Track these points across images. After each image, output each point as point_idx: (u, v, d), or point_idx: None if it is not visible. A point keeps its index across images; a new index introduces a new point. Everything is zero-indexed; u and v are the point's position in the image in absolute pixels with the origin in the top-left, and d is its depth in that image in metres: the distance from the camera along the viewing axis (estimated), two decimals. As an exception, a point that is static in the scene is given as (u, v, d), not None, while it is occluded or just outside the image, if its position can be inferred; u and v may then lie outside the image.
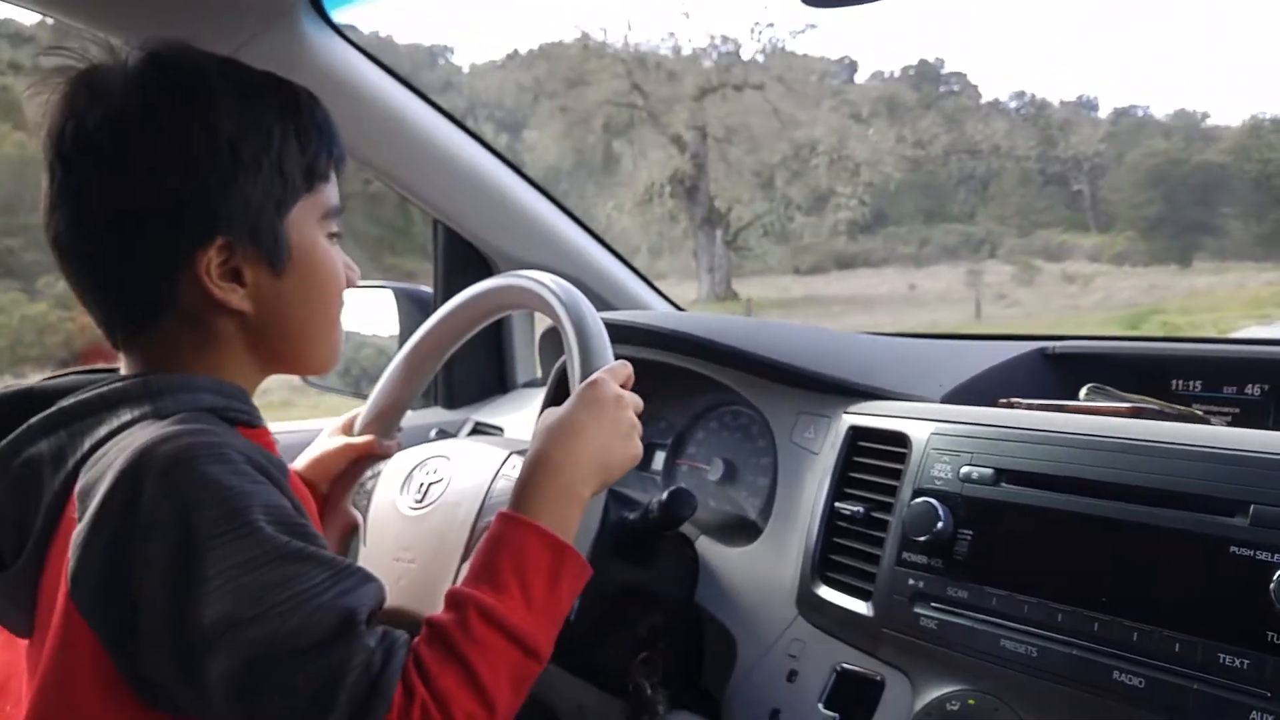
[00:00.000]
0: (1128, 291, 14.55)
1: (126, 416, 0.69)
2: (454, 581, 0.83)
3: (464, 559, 0.84)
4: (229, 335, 0.75)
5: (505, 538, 0.72)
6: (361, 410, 1.03)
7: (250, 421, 0.76)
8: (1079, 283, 15.30)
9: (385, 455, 1.02)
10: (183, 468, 0.63)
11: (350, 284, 0.83)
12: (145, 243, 0.71)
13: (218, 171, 0.71)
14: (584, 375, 0.82)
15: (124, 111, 0.70)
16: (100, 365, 0.79)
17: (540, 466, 0.76)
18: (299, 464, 1.02)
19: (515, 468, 0.84)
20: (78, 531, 0.63)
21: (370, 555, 0.96)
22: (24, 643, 0.72)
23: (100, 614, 0.63)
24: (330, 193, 0.79)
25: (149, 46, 0.73)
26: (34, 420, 0.70)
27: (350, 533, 1.01)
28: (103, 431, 0.68)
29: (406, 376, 1.01)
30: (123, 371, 0.76)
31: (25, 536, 0.68)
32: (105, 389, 0.71)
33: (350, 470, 1.02)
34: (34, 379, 0.77)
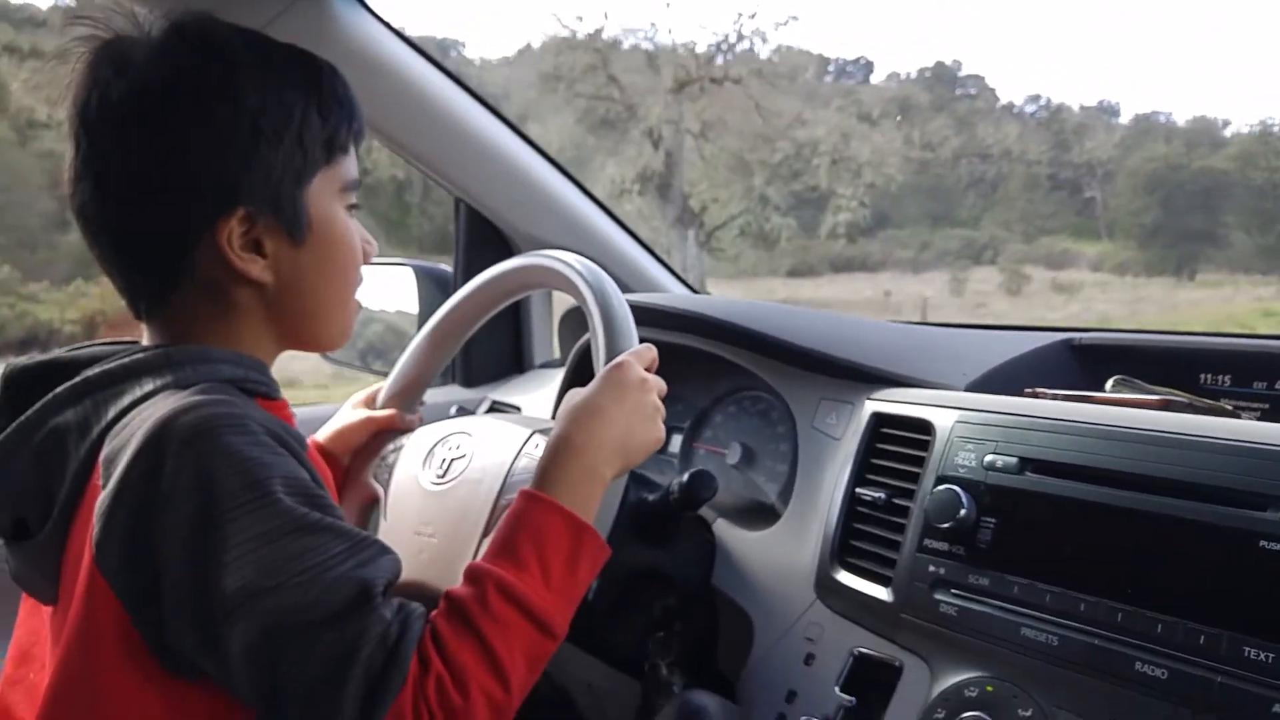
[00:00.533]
0: (1108, 305, 14.04)
1: (149, 386, 0.70)
2: (474, 557, 0.84)
3: (485, 535, 0.85)
4: (248, 306, 0.76)
5: (527, 516, 0.73)
6: (384, 384, 1.04)
7: (268, 393, 0.77)
8: (1068, 293, 14.80)
9: (407, 429, 1.03)
10: (204, 438, 0.64)
11: (367, 258, 0.83)
12: (167, 212, 0.72)
13: (240, 144, 0.72)
14: (609, 357, 0.83)
15: (147, 83, 0.71)
16: (125, 337, 0.80)
17: (563, 447, 0.77)
18: (321, 435, 1.04)
19: (538, 446, 0.85)
20: (101, 499, 0.65)
21: (391, 529, 0.96)
22: (48, 610, 0.73)
23: (124, 581, 0.64)
24: (349, 165, 0.80)
25: (173, 18, 0.74)
26: (60, 390, 0.71)
27: (370, 506, 1.01)
28: (126, 401, 0.69)
29: (430, 352, 1.02)
30: (144, 342, 0.77)
31: (51, 505, 0.70)
32: (128, 359, 0.72)
33: (371, 443, 1.04)
34: (58, 351, 0.78)
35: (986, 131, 18.07)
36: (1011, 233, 17.04)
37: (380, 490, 1.00)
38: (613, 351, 0.83)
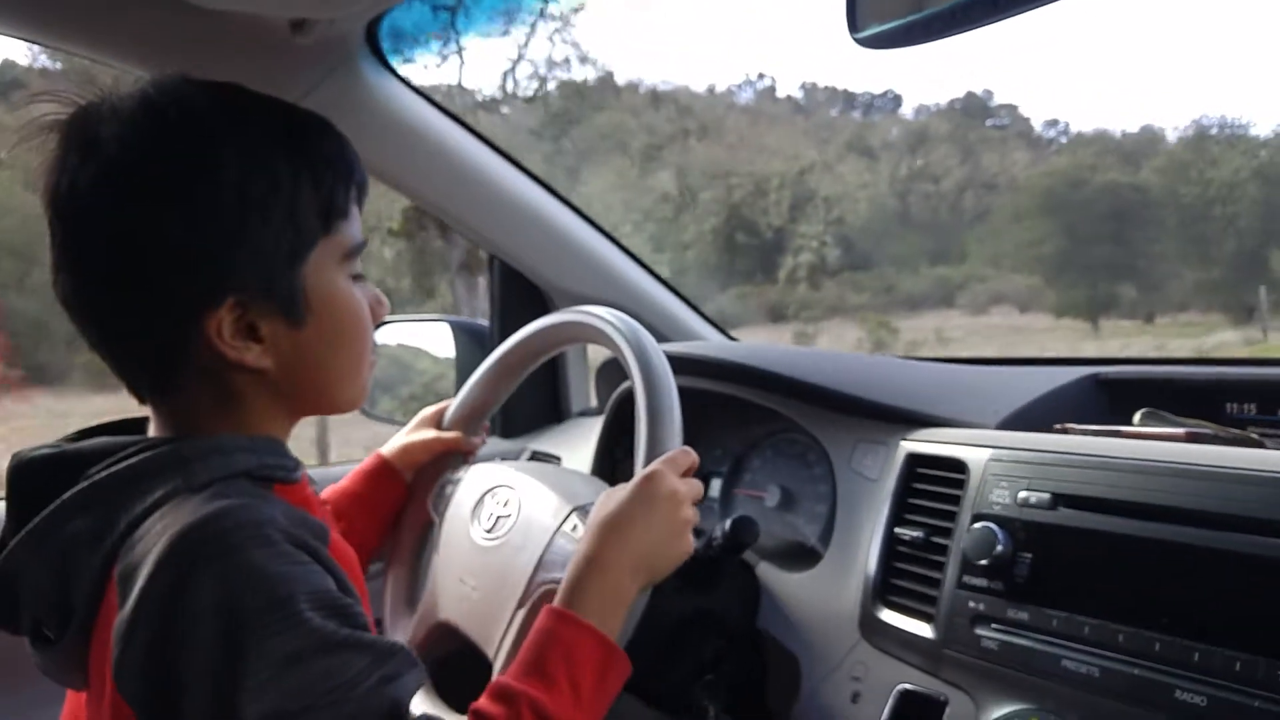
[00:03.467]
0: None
1: (159, 492, 0.66)
2: (507, 625, 0.87)
3: (519, 606, 0.87)
4: (251, 390, 0.73)
5: (557, 634, 0.72)
6: (451, 404, 1.07)
7: (285, 477, 0.74)
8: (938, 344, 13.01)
9: (470, 451, 1.06)
10: (224, 556, 0.61)
11: (379, 318, 0.80)
12: (150, 305, 0.68)
13: (223, 225, 0.67)
14: (649, 457, 0.82)
15: (117, 166, 0.66)
16: (129, 417, 0.77)
17: (590, 565, 0.76)
18: (387, 449, 1.05)
19: (575, 529, 0.85)
20: (119, 621, 0.62)
21: (440, 568, 1.00)
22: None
23: (145, 705, 0.62)
24: (350, 230, 0.75)
25: (141, 89, 0.69)
26: (67, 497, 0.67)
27: (426, 531, 1.04)
28: (138, 509, 0.66)
29: (495, 380, 1.05)
30: (151, 430, 0.74)
31: (68, 614, 0.66)
32: (135, 459, 0.68)
33: (434, 463, 1.06)
34: (61, 439, 0.74)
35: (992, 160, 17.42)
36: (999, 269, 15.91)
37: (436, 519, 1.03)
38: (653, 453, 0.83)
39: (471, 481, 1.02)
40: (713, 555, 0.97)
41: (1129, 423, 0.94)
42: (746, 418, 1.27)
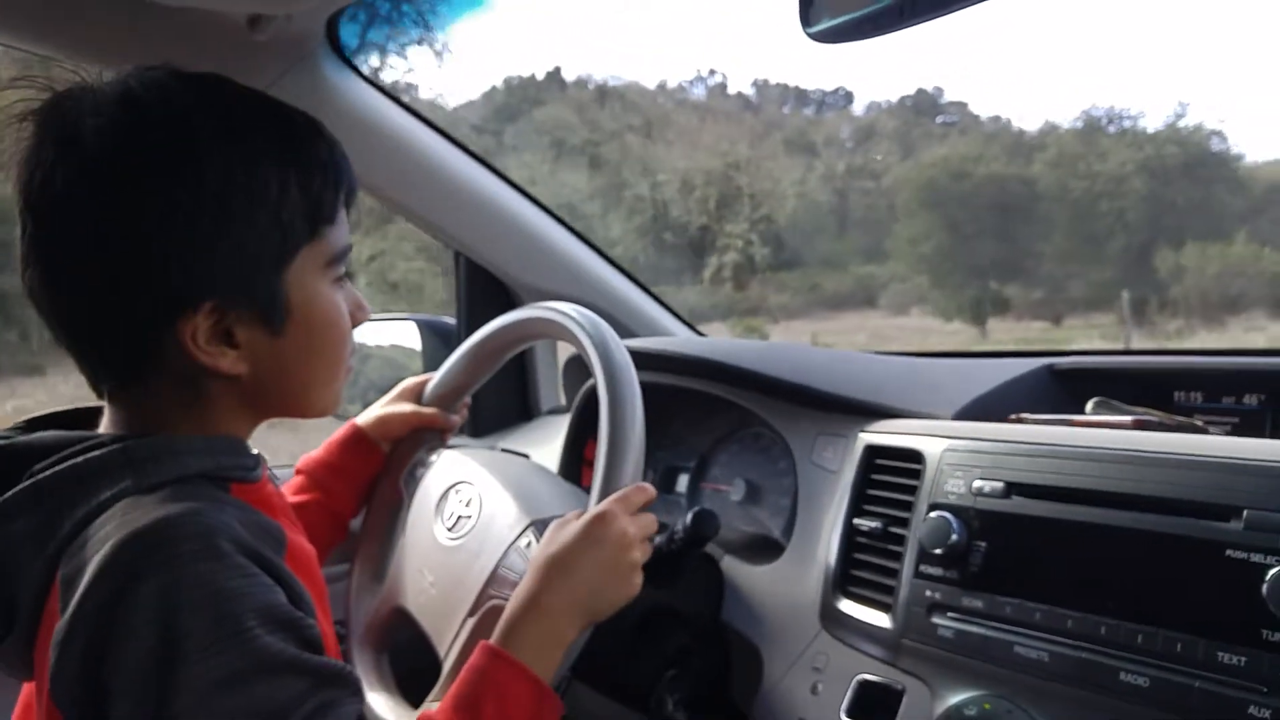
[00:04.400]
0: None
1: (107, 493, 0.63)
2: (457, 631, 0.88)
3: (469, 615, 0.88)
4: (220, 394, 0.71)
5: (491, 675, 0.71)
6: (431, 379, 1.06)
7: (243, 477, 0.72)
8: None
9: (449, 429, 1.06)
10: (169, 566, 0.59)
11: (358, 323, 0.78)
12: (122, 308, 0.65)
13: (203, 228, 0.64)
14: (604, 491, 0.80)
15: (94, 162, 0.63)
16: (82, 407, 0.74)
17: (530, 606, 0.74)
18: (364, 419, 1.04)
19: (530, 546, 0.85)
20: (58, 628, 0.59)
21: (406, 552, 1.00)
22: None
23: (77, 713, 0.60)
24: (337, 235, 0.73)
25: (123, 80, 0.66)
26: (9, 496, 0.64)
27: (396, 510, 1.04)
28: (81, 511, 0.63)
29: (474, 362, 1.04)
30: (104, 424, 0.71)
31: (12, 614, 0.64)
32: (81, 460, 0.65)
33: (411, 437, 1.05)
34: (6, 430, 0.71)
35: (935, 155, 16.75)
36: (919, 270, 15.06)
37: (406, 500, 1.03)
38: (607, 488, 0.81)
39: (439, 472, 1.02)
40: (675, 550, 0.97)
41: (1082, 412, 0.95)
42: (712, 412, 1.28)
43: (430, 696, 0.88)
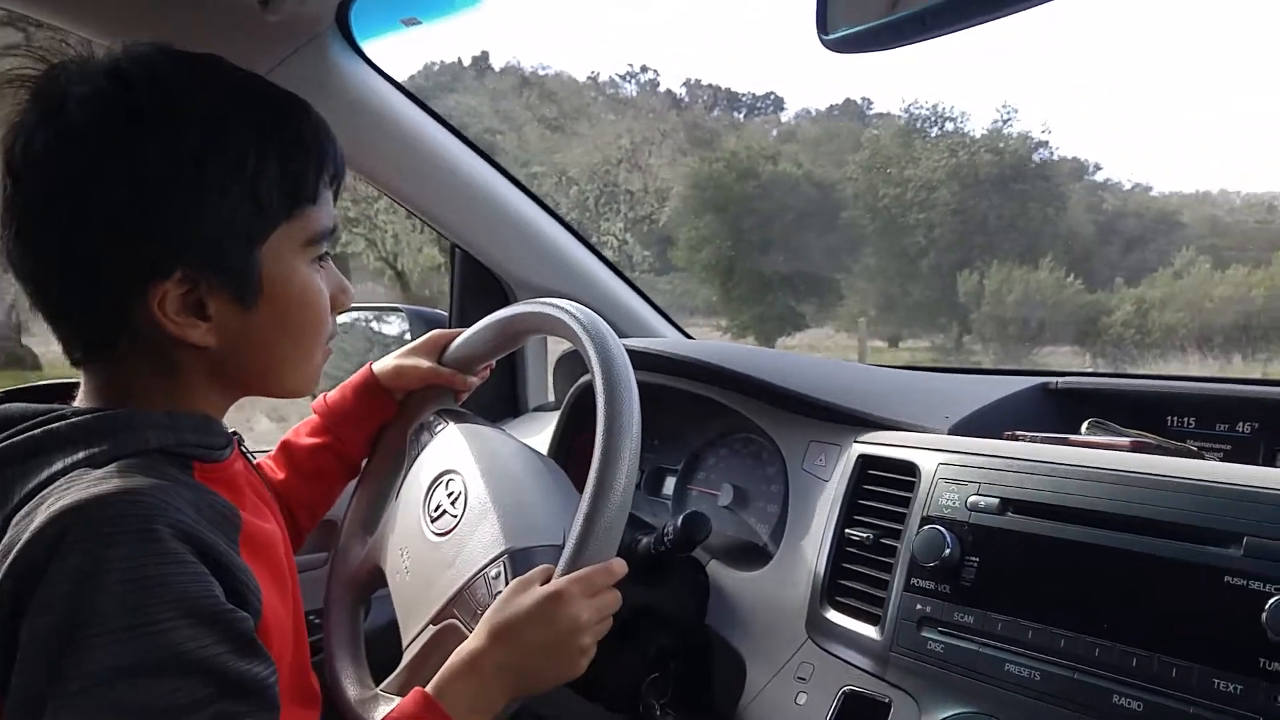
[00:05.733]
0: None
1: (59, 465, 0.63)
2: (417, 633, 0.88)
3: (430, 622, 0.87)
4: (191, 366, 0.70)
5: None
6: (456, 340, 1.03)
7: (206, 456, 0.71)
8: None
9: (463, 390, 1.04)
10: (96, 543, 0.57)
11: (341, 307, 0.78)
12: (94, 272, 0.66)
13: (177, 199, 0.65)
14: (569, 566, 0.77)
15: (74, 128, 0.64)
16: (55, 381, 0.75)
17: (469, 666, 0.74)
18: (380, 367, 1.03)
19: (499, 578, 0.83)
20: None
21: (394, 520, 0.99)
22: None
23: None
24: (319, 216, 0.73)
25: (114, 54, 0.67)
26: None
27: (397, 464, 1.03)
28: (33, 482, 0.63)
29: (498, 338, 1.00)
30: (78, 399, 0.71)
31: None
32: (41, 432, 0.65)
33: (424, 392, 1.03)
34: None
35: (838, 162, 15.57)
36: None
37: (407, 460, 1.01)
38: (572, 565, 0.77)
39: (438, 450, 0.99)
40: (663, 551, 0.97)
41: (1076, 432, 0.95)
42: (703, 415, 1.28)
43: (387, 681, 0.91)
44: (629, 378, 0.82)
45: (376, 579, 1.00)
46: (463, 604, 0.84)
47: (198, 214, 0.65)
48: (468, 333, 1.02)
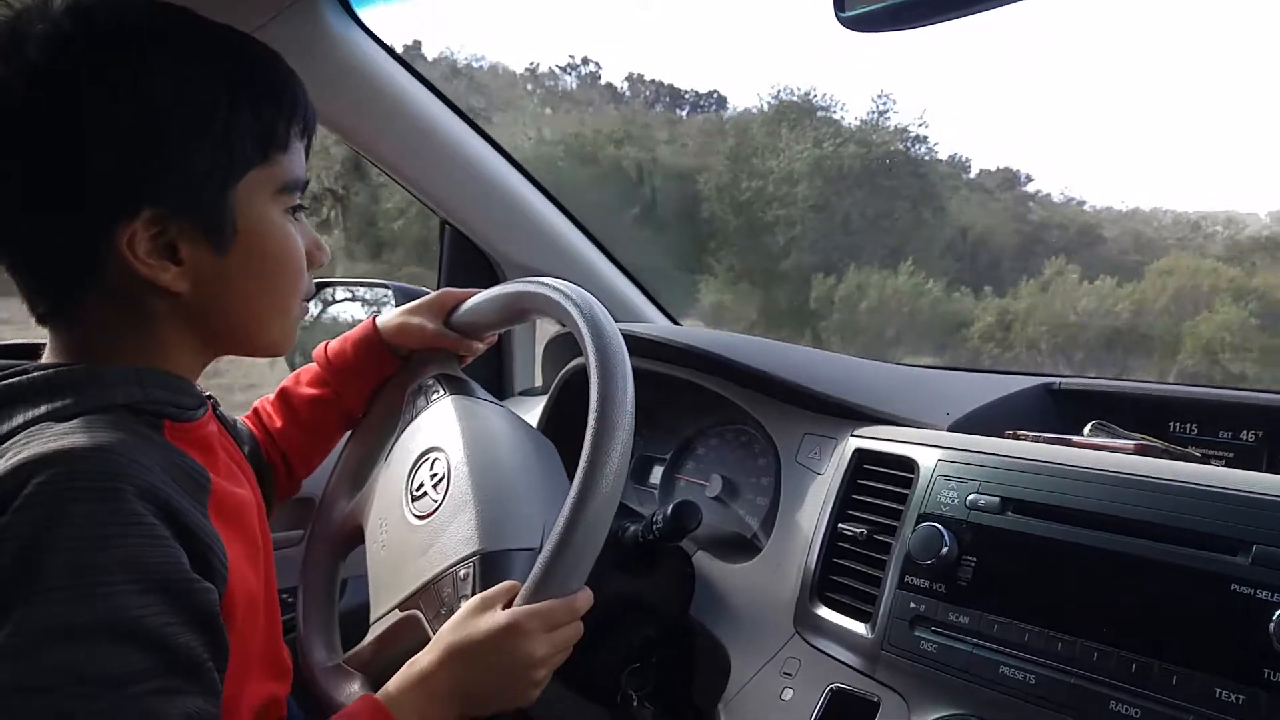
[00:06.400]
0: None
1: (20, 419, 0.62)
2: (382, 614, 0.87)
3: (396, 607, 0.85)
4: (162, 315, 0.69)
5: None
6: (465, 304, 0.99)
7: (177, 415, 0.69)
8: None
9: (466, 354, 1.02)
10: (51, 500, 0.55)
11: (316, 263, 0.77)
12: (59, 213, 0.64)
13: (144, 140, 0.64)
14: (531, 594, 0.75)
15: (38, 67, 0.63)
16: (19, 342, 0.73)
17: (419, 683, 0.72)
18: (384, 321, 1.00)
19: (466, 579, 0.80)
20: None
21: (379, 486, 0.96)
22: None
23: None
24: (290, 164, 0.72)
25: None
26: None
27: (392, 423, 1.00)
28: None
29: (504, 311, 0.97)
30: (45, 355, 0.70)
31: None
32: (4, 384, 0.63)
33: (426, 353, 1.00)
34: None
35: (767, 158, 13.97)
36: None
37: (401, 423, 0.98)
38: (538, 594, 0.75)
39: (429, 422, 0.95)
40: (651, 540, 0.94)
41: (1079, 433, 0.94)
42: (694, 404, 1.25)
43: (351, 652, 0.91)
44: (627, 410, 0.76)
45: (355, 538, 0.99)
46: (429, 598, 0.83)
47: (165, 156, 0.65)
48: (477, 298, 0.98)
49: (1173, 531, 0.71)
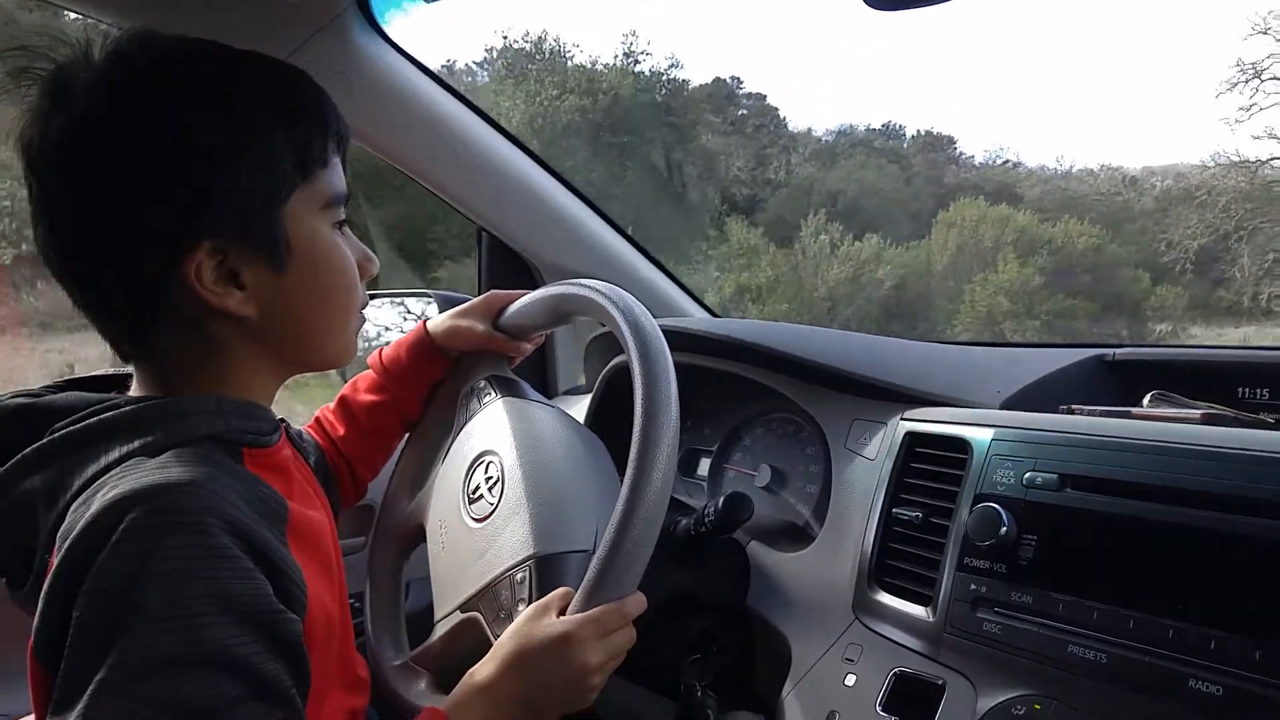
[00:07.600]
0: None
1: (115, 454, 0.64)
2: (445, 615, 0.88)
3: (457, 608, 0.87)
4: (234, 342, 0.72)
5: None
6: (513, 306, 1.00)
7: (255, 441, 0.72)
8: None
9: (517, 355, 1.03)
10: (146, 535, 0.58)
11: (367, 275, 0.79)
12: (124, 254, 0.67)
13: (192, 173, 0.66)
14: (584, 602, 0.75)
15: (86, 116, 0.65)
16: (110, 371, 0.76)
17: (482, 692, 0.74)
18: (435, 325, 1.02)
19: (523, 582, 0.81)
20: (47, 583, 0.59)
21: (437, 487, 0.98)
22: None
23: (47, 665, 0.59)
24: (331, 179, 0.74)
25: (115, 41, 0.69)
26: (28, 451, 0.66)
27: (447, 424, 1.01)
28: (91, 470, 0.64)
29: (551, 312, 0.97)
30: (132, 389, 0.73)
31: (30, 561, 0.66)
32: (95, 421, 0.66)
33: (476, 354, 1.02)
34: (38, 388, 0.73)
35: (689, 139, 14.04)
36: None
37: (456, 424, 0.99)
38: (592, 600, 0.75)
39: (483, 424, 0.96)
40: (703, 533, 0.94)
41: (1136, 405, 0.91)
42: (739, 395, 1.24)
43: (418, 650, 0.93)
44: (671, 412, 0.76)
45: (418, 536, 1.00)
46: (488, 602, 0.84)
47: (214, 185, 0.67)
48: (524, 300, 0.99)
49: (1246, 502, 0.69)
